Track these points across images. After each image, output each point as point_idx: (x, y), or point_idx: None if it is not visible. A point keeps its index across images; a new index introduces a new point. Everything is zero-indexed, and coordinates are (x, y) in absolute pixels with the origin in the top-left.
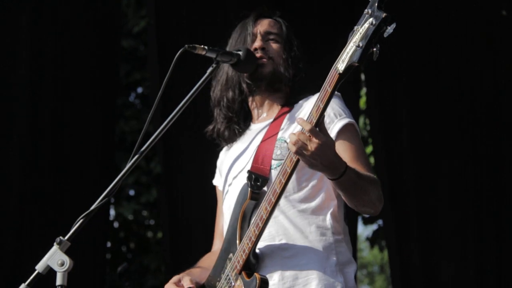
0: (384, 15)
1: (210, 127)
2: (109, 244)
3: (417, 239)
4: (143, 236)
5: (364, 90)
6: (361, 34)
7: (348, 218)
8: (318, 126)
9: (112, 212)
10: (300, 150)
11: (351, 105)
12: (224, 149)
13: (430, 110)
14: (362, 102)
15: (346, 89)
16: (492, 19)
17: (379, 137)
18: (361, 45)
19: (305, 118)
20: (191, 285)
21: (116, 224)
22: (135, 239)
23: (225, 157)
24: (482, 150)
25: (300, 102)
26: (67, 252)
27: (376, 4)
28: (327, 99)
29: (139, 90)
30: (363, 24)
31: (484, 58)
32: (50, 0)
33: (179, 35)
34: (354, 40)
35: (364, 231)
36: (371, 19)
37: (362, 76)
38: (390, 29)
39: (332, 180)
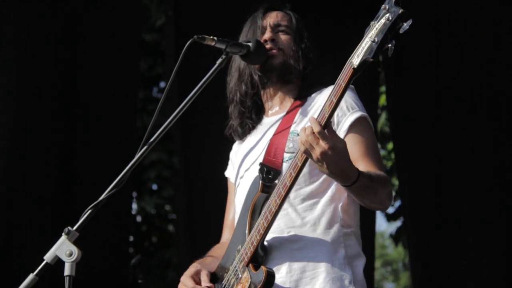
0: (400, 11)
1: (227, 125)
2: (131, 238)
3: (438, 237)
4: (165, 230)
5: (383, 87)
6: (377, 30)
7: (366, 212)
8: (327, 127)
9: (134, 206)
10: (308, 151)
11: (370, 101)
12: (237, 142)
13: (452, 106)
14: (383, 99)
15: (365, 85)
16: None
17: (399, 134)
18: (376, 40)
19: (318, 112)
20: (209, 285)
21: (139, 218)
22: (157, 233)
23: (238, 149)
24: (507, 146)
25: (313, 95)
26: (75, 242)
27: (393, 0)
28: (341, 93)
29: (162, 84)
30: (379, 20)
31: (510, 54)
32: None
33: (198, 27)
34: (370, 35)
35: (388, 227)
36: (387, 14)
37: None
38: (406, 26)
39: (343, 186)
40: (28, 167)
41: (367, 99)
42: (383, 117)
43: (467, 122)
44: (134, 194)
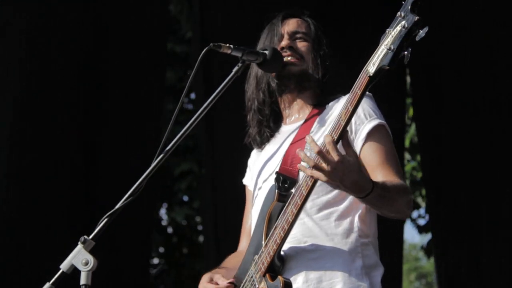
0: (416, 18)
1: (247, 134)
2: (162, 250)
3: (465, 250)
4: (195, 241)
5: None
6: (393, 37)
7: (394, 223)
8: (342, 138)
9: (165, 217)
10: (317, 172)
11: (397, 112)
12: (256, 149)
13: (480, 117)
14: (412, 110)
15: (392, 96)
16: None
17: (426, 145)
18: (392, 48)
19: (334, 122)
20: (227, 281)
21: (170, 230)
22: (187, 244)
23: (257, 158)
24: None
25: (331, 103)
26: (91, 251)
27: (409, 7)
28: (357, 102)
29: (192, 95)
30: (395, 27)
31: None
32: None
33: (224, 38)
34: (385, 43)
35: (422, 239)
36: (403, 22)
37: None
38: (422, 33)
39: (357, 198)
40: (48, 174)
41: (393, 110)
42: (412, 128)
43: (495, 133)
44: (165, 205)
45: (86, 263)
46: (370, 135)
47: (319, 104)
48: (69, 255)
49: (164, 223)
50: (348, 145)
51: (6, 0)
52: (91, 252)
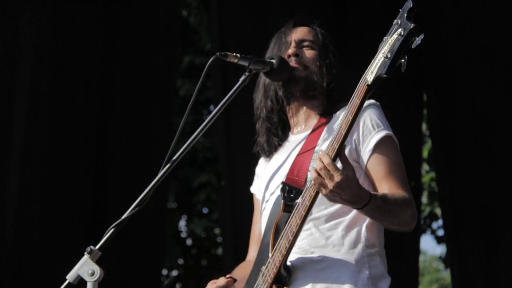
0: (412, 25)
1: (255, 142)
2: (181, 261)
3: (479, 263)
4: (214, 253)
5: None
6: (390, 45)
7: (409, 234)
8: (340, 153)
9: (184, 229)
10: (319, 187)
11: (415, 123)
12: (263, 158)
13: (491, 127)
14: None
15: (408, 109)
16: None
17: (440, 159)
18: (389, 56)
19: (334, 133)
20: (227, 279)
21: (189, 242)
22: (206, 256)
23: (265, 167)
24: None
25: (338, 112)
26: (98, 262)
27: (405, 15)
28: (356, 111)
29: (211, 108)
30: (392, 35)
31: None
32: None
33: (242, 50)
34: (383, 51)
35: (442, 250)
36: (399, 29)
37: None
38: (418, 40)
39: (356, 209)
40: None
41: (410, 121)
42: (428, 144)
43: (508, 146)
44: (184, 217)
45: (92, 274)
46: (377, 147)
47: (326, 113)
48: (76, 266)
49: (183, 235)
50: (345, 159)
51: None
52: (98, 262)
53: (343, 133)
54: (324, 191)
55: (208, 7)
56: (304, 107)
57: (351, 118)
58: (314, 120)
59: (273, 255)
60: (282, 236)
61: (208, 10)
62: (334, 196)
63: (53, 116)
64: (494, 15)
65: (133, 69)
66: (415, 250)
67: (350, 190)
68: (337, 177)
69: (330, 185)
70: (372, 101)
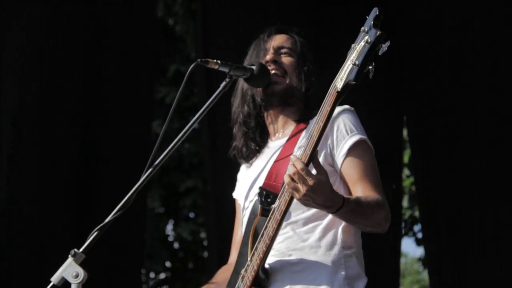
0: (379, 33)
1: (232, 146)
2: (169, 264)
3: (455, 261)
4: (200, 256)
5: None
6: (358, 52)
7: (390, 237)
8: (313, 159)
9: (171, 233)
10: (293, 192)
11: (395, 129)
12: (244, 165)
13: (469, 138)
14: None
15: (390, 112)
16: None
17: (419, 164)
18: (357, 63)
19: (307, 137)
20: None
21: (176, 245)
22: (193, 259)
23: (246, 173)
24: None
25: (315, 118)
26: (82, 264)
27: (372, 22)
28: (326, 117)
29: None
30: (359, 42)
31: None
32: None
33: (226, 57)
34: (351, 58)
35: (422, 252)
36: (366, 37)
37: None
38: (384, 47)
39: (329, 213)
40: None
41: (391, 127)
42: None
43: (484, 151)
44: (171, 221)
45: (77, 276)
46: (351, 151)
47: (303, 120)
48: (60, 268)
49: (170, 238)
50: (318, 164)
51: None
52: (81, 265)
53: (315, 139)
54: (297, 195)
55: (195, 15)
56: (282, 114)
57: (322, 125)
58: (291, 126)
59: (251, 258)
60: (260, 240)
61: (194, 18)
62: (307, 200)
63: (41, 120)
64: (467, 19)
65: (117, 78)
66: (396, 252)
67: (324, 194)
68: (310, 182)
69: (303, 189)
70: (346, 106)
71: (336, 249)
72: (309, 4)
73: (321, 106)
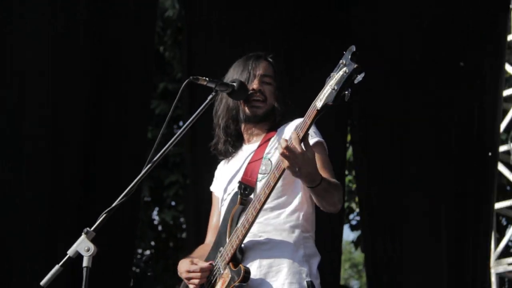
0: (355, 66)
1: (212, 142)
2: (153, 243)
3: (387, 243)
4: (180, 237)
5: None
6: (336, 80)
7: (334, 225)
8: (304, 140)
9: (156, 218)
10: (286, 159)
11: (338, 137)
12: (223, 161)
13: (401, 143)
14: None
15: (336, 125)
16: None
17: (359, 163)
18: (336, 88)
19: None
20: (207, 263)
21: (160, 228)
22: (173, 239)
23: (224, 169)
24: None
25: (282, 127)
26: (92, 240)
27: (349, 57)
28: (306, 129)
29: (181, 123)
30: (338, 71)
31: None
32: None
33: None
34: (330, 83)
35: (354, 236)
36: (345, 68)
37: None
38: (360, 77)
39: (309, 188)
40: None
41: (337, 135)
42: (350, 150)
43: (413, 154)
44: (157, 208)
45: (88, 250)
46: (313, 147)
47: (272, 129)
48: (75, 243)
49: (155, 222)
50: (308, 146)
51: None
52: (92, 241)
53: (301, 134)
54: (287, 163)
55: (180, 45)
56: (256, 126)
57: (302, 134)
58: (263, 134)
59: (230, 239)
60: (239, 224)
61: (180, 47)
62: (295, 168)
63: (47, 123)
64: (400, 29)
65: (117, 91)
66: (339, 237)
67: (310, 167)
68: (301, 152)
69: (294, 158)
70: None
71: (297, 232)
72: (280, 35)
73: (302, 120)
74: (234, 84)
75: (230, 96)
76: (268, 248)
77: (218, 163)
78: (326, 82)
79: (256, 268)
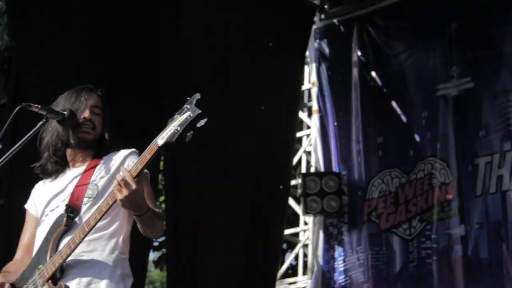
0: (199, 111)
1: (38, 164)
2: None
3: (188, 262)
4: None
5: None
6: (180, 122)
7: (141, 247)
8: (139, 174)
9: None
10: (118, 192)
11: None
12: (41, 183)
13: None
14: (161, 164)
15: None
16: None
17: (168, 190)
18: (178, 129)
19: (130, 168)
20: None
21: None
22: None
23: (43, 190)
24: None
25: (109, 155)
26: None
27: (194, 102)
28: (146, 162)
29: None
30: (182, 114)
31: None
32: None
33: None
34: (173, 124)
35: (154, 256)
36: (189, 112)
37: None
38: (202, 122)
39: (135, 216)
40: None
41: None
42: (159, 177)
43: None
44: None
45: None
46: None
47: (97, 156)
48: None
49: None
50: (141, 179)
51: None
52: None
53: (140, 167)
54: (120, 196)
55: (7, 75)
56: (82, 152)
57: (140, 167)
58: (88, 160)
59: (52, 258)
60: (65, 244)
61: (7, 76)
62: (126, 201)
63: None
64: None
65: None
66: (145, 257)
67: (139, 199)
68: (133, 187)
69: (126, 192)
70: (133, 149)
71: (116, 253)
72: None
73: (143, 154)
74: (65, 112)
75: (60, 123)
76: (88, 266)
77: (37, 182)
78: (168, 122)
79: (75, 284)
